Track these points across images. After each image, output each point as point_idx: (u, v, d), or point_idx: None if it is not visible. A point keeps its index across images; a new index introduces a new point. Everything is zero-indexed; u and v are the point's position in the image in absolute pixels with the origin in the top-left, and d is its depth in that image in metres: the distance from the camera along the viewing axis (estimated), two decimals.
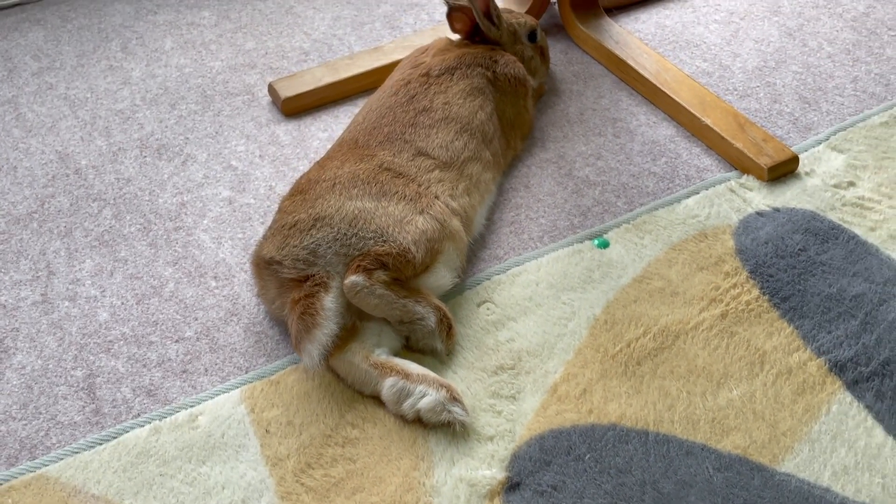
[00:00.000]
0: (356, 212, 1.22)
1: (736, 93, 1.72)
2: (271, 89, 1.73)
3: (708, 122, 1.57)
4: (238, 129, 1.68)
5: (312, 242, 1.20)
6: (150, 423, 1.15)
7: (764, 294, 1.28)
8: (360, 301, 1.18)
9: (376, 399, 1.17)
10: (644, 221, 1.42)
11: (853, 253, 1.33)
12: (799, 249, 1.34)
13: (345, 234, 1.20)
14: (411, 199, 1.27)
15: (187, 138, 1.66)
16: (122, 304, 1.35)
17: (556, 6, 1.91)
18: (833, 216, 1.41)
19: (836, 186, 1.47)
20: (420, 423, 1.14)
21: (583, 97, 1.72)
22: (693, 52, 1.83)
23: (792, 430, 1.10)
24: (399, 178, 1.30)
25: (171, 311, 1.33)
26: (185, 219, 1.49)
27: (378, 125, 1.40)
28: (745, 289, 1.29)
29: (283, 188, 1.54)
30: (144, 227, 1.48)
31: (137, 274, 1.39)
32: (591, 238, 1.40)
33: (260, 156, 1.61)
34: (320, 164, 1.34)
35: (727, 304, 1.27)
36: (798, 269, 1.31)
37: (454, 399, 1.13)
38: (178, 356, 1.27)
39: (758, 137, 1.53)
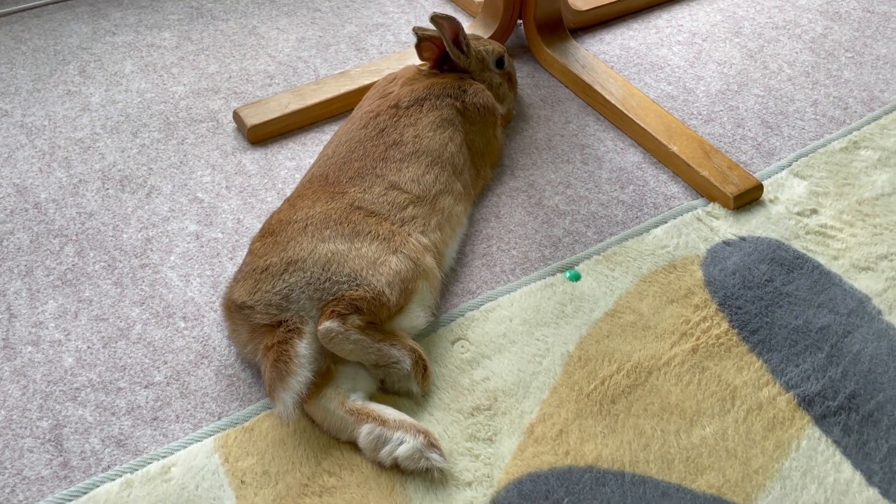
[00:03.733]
0: (329, 255, 1.21)
1: (700, 117, 1.74)
2: (236, 116, 1.70)
3: (674, 149, 1.59)
4: (203, 159, 1.65)
5: (285, 287, 1.19)
6: (121, 476, 1.13)
7: (733, 327, 1.30)
8: (334, 347, 1.17)
9: (353, 445, 1.16)
10: (614, 253, 1.43)
11: (818, 283, 1.36)
12: (766, 280, 1.37)
13: (318, 278, 1.19)
14: (384, 239, 1.26)
15: (151, 168, 1.63)
16: (88, 347, 1.31)
17: (522, 28, 1.91)
18: (797, 245, 1.44)
19: (799, 214, 1.50)
20: (398, 469, 1.13)
21: (550, 122, 1.73)
22: (658, 74, 1.85)
23: (764, 468, 1.12)
24: (371, 218, 1.29)
25: (140, 355, 1.30)
26: (152, 255, 1.46)
27: (348, 160, 1.39)
28: (715, 322, 1.31)
29: (252, 221, 1.52)
30: (109, 265, 1.44)
31: (103, 315, 1.36)
32: (562, 270, 1.41)
33: (226, 187, 1.59)
34: (291, 203, 1.33)
35: (697, 339, 1.28)
36: (765, 301, 1.34)
37: (431, 445, 1.12)
38: (147, 403, 1.24)
39: (723, 165, 1.56)
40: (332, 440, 1.17)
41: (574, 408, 1.20)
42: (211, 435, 1.18)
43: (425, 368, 1.22)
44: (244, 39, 1.96)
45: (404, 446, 1.11)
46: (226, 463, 1.15)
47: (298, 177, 1.60)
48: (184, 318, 1.36)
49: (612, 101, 1.70)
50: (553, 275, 1.40)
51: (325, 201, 1.30)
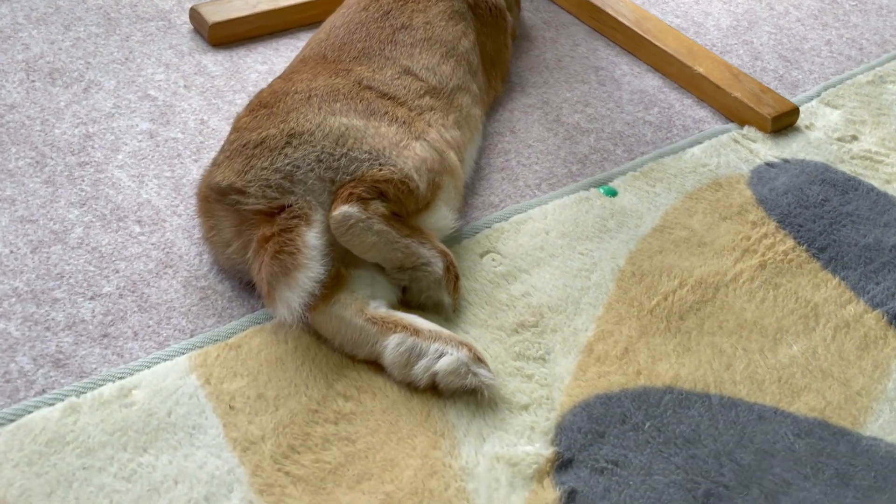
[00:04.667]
0: (343, 128, 0.96)
1: (715, 49, 1.60)
2: (194, 14, 1.43)
3: (701, 70, 1.43)
4: (154, 57, 1.37)
5: (288, 164, 0.93)
6: (62, 399, 0.84)
7: (800, 244, 1.13)
8: (352, 239, 0.92)
9: (373, 364, 0.91)
10: (651, 169, 1.25)
11: (878, 204, 1.22)
12: (822, 200, 1.22)
13: (330, 153, 0.94)
14: (404, 123, 1.03)
15: (88, 63, 1.33)
16: (12, 252, 1.01)
17: None
18: (845, 168, 1.30)
19: (840, 140, 1.36)
20: (433, 391, 0.89)
21: (557, 44, 1.54)
22: (663, 7, 1.70)
23: (866, 389, 0.95)
24: (386, 99, 1.06)
25: (82, 262, 1.01)
26: (93, 153, 1.17)
27: (349, 41, 1.15)
28: (778, 239, 1.14)
29: (218, 123, 1.25)
30: (37, 162, 1.14)
31: (31, 216, 1.06)
32: (596, 185, 1.21)
33: (185, 86, 1.31)
34: (285, 78, 1.08)
35: (763, 255, 1.11)
36: (827, 220, 1.18)
37: (478, 359, 0.89)
38: (94, 317, 0.95)
39: (755, 88, 1.41)
40: (345, 359, 0.92)
41: (637, 325, 0.99)
42: (183, 353, 0.91)
43: (457, 277, 0.99)
44: None
45: (446, 359, 0.87)
46: (206, 385, 0.87)
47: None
48: (139, 221, 1.08)
49: (626, 24, 1.53)
50: (587, 189, 1.20)
51: (329, 76, 1.06)
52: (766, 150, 1.33)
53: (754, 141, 1.34)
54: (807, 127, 1.39)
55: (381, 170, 0.94)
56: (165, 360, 0.90)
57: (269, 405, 0.86)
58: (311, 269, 0.88)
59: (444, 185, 1.03)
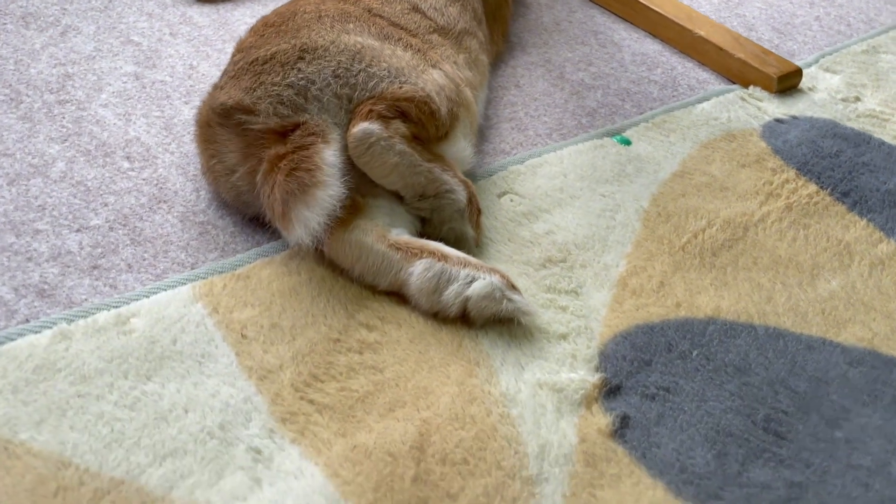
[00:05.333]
0: (358, 46, 0.90)
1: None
2: None
3: (702, 33, 1.41)
4: (135, 7, 1.28)
5: (302, 79, 0.86)
6: (50, 327, 0.74)
7: (822, 189, 1.10)
8: (372, 159, 0.84)
9: (395, 296, 0.84)
10: (664, 121, 1.21)
11: (891, 156, 1.20)
12: (836, 152, 1.19)
13: (347, 68, 0.87)
14: (419, 51, 0.97)
15: (64, 9, 1.24)
16: None
17: None
18: (853, 125, 1.28)
19: (844, 100, 1.35)
20: (462, 321, 0.82)
21: (554, 10, 1.51)
22: None
23: None
24: (397, 28, 1.00)
25: (66, 195, 0.92)
26: (74, 92, 1.08)
27: None
28: (800, 184, 1.10)
29: (208, 69, 1.17)
30: (12, 98, 1.05)
31: (6, 150, 0.96)
32: (609, 135, 1.17)
33: (171, 34, 1.23)
34: (290, 3, 1.01)
35: (787, 198, 1.07)
36: (844, 168, 1.15)
37: (511, 286, 0.82)
38: (82, 249, 0.86)
39: (757, 50, 1.39)
40: (365, 290, 0.84)
41: (670, 261, 0.94)
42: (185, 283, 0.82)
43: (479, 211, 0.92)
44: None
45: (479, 283, 0.80)
46: (214, 314, 0.78)
47: None
48: (127, 157, 0.99)
49: None
50: (600, 138, 1.15)
51: (337, 2, 0.99)
52: (773, 107, 1.30)
53: (761, 100, 1.32)
54: (810, 89, 1.38)
55: (401, 87, 0.87)
56: (166, 289, 0.80)
57: (286, 335, 0.78)
58: (331, 186, 0.80)
59: (461, 118, 0.97)
